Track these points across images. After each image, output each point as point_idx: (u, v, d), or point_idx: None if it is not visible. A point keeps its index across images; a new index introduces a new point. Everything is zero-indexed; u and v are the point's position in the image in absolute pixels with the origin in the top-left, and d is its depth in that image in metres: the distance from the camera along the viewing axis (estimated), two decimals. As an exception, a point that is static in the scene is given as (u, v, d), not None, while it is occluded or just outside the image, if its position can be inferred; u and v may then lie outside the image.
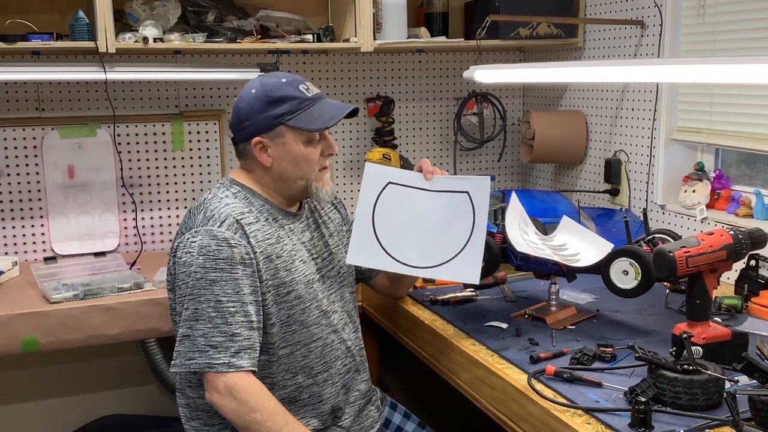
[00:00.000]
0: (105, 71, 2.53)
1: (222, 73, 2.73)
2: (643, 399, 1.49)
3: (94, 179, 2.90)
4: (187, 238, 1.76)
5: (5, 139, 2.80)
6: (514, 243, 2.00)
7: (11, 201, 2.83)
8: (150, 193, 2.99)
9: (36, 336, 2.27)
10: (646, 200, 2.72)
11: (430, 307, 2.22)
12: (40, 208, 2.86)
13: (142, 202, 2.97)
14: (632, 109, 2.79)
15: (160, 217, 3.01)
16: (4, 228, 2.84)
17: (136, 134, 2.94)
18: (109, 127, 2.88)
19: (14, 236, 2.85)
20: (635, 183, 2.79)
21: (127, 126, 2.92)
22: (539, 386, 1.66)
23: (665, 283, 2.24)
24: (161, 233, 3.02)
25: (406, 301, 2.30)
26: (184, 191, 3.03)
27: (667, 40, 2.58)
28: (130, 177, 2.95)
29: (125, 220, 2.95)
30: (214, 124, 3.04)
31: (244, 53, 3.01)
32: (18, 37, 2.43)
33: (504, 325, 2.04)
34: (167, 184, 3.01)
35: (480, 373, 1.85)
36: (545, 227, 2.19)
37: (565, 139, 3.02)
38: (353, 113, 1.89)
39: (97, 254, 2.89)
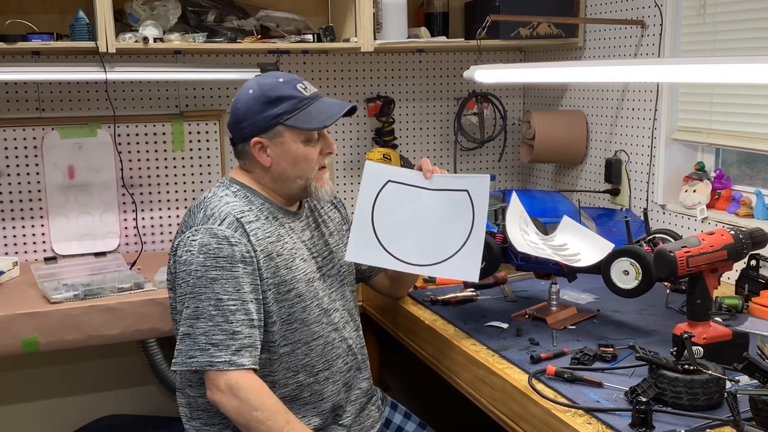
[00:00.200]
0: (105, 71, 2.53)
1: (222, 73, 2.74)
2: (643, 399, 1.49)
3: (94, 179, 2.90)
4: (188, 237, 1.76)
5: (5, 139, 2.80)
6: (514, 243, 2.00)
7: (11, 201, 2.83)
8: (150, 193, 2.99)
9: (36, 336, 2.27)
10: (647, 200, 2.72)
11: (431, 307, 2.22)
12: (41, 208, 2.86)
13: (142, 202, 2.97)
14: (633, 109, 2.79)
15: (161, 217, 3.01)
16: (4, 228, 2.84)
17: (137, 134, 2.94)
18: (109, 127, 2.88)
19: (14, 236, 2.85)
20: (636, 183, 2.79)
21: (127, 126, 2.92)
22: (540, 386, 1.66)
23: (666, 283, 2.24)
24: (161, 233, 3.02)
25: (406, 301, 2.30)
26: (185, 191, 3.03)
27: (667, 40, 2.58)
28: (131, 177, 2.95)
29: (125, 220, 2.95)
30: (215, 124, 3.04)
31: (244, 53, 3.01)
32: (18, 37, 2.43)
33: (504, 325, 2.04)
34: (167, 184, 3.01)
35: (480, 373, 1.85)
36: (546, 227, 2.19)
37: (566, 139, 3.02)
38: (351, 111, 1.89)
39: (97, 254, 2.89)
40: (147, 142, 2.96)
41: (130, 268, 2.64)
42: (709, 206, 2.51)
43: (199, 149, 3.03)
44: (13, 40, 2.42)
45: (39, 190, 2.85)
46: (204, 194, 1.87)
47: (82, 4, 2.58)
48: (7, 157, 2.81)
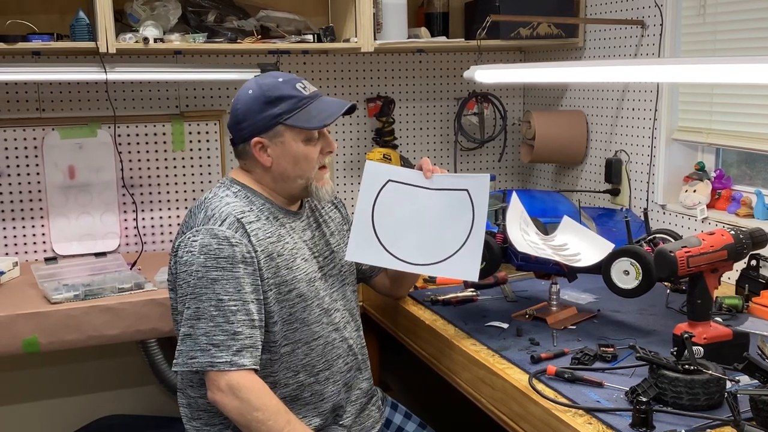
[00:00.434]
0: (105, 71, 2.53)
1: (222, 74, 2.74)
2: (644, 399, 1.49)
3: (94, 179, 2.90)
4: (188, 238, 1.76)
5: (6, 140, 2.80)
6: (514, 243, 2.00)
7: (12, 201, 2.84)
8: (150, 193, 2.99)
9: (37, 336, 2.27)
10: (647, 200, 2.72)
11: (431, 307, 2.22)
12: (41, 208, 2.86)
13: (142, 202, 2.97)
14: (633, 109, 2.79)
15: (161, 217, 3.01)
16: (4, 228, 2.84)
17: (137, 134, 2.94)
18: (109, 127, 2.88)
19: (15, 237, 2.85)
20: (636, 183, 2.79)
21: (127, 126, 2.92)
22: (540, 386, 1.66)
23: (666, 283, 2.24)
24: (162, 233, 3.02)
25: (406, 301, 2.30)
26: (185, 191, 3.03)
27: (667, 40, 2.58)
28: (131, 177, 2.95)
29: (126, 220, 2.95)
30: (215, 124, 3.04)
31: (245, 53, 3.01)
32: (18, 38, 2.43)
33: (505, 325, 2.04)
34: (167, 184, 3.01)
35: (481, 373, 1.85)
36: (546, 227, 2.20)
37: (566, 139, 3.02)
38: (351, 110, 1.89)
39: (97, 254, 2.89)
40: (147, 143, 2.96)
41: (131, 269, 2.64)
42: (710, 206, 2.51)
43: (200, 149, 3.03)
44: (13, 40, 2.42)
45: (39, 191, 2.85)
46: (205, 195, 1.87)
47: (82, 4, 2.58)
48: (7, 158, 2.81)
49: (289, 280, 1.81)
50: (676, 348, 1.60)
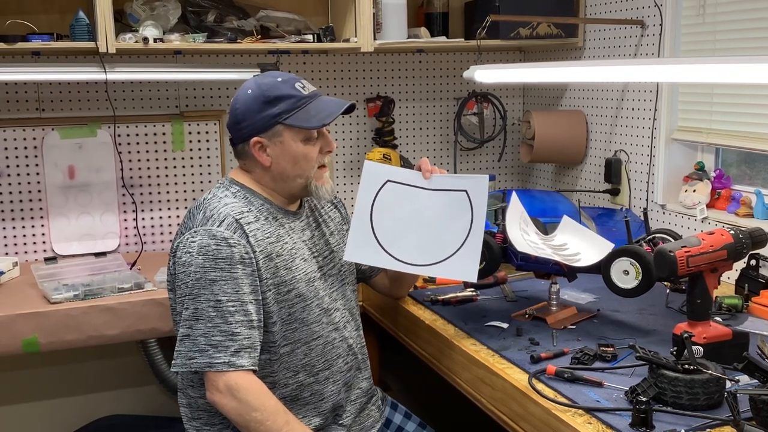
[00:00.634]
0: (105, 71, 2.53)
1: (222, 74, 2.74)
2: (644, 399, 1.49)
3: (94, 179, 2.90)
4: (187, 238, 1.76)
5: (5, 140, 2.80)
6: (514, 243, 2.00)
7: (11, 201, 2.83)
8: (150, 193, 2.99)
9: (36, 336, 2.27)
10: (647, 200, 2.72)
11: (431, 307, 2.22)
12: (41, 208, 2.86)
13: (142, 202, 2.97)
14: (632, 109, 2.79)
15: (161, 217, 3.01)
16: (4, 228, 2.84)
17: (137, 134, 2.94)
18: (109, 127, 2.88)
19: (15, 236, 2.85)
20: (635, 183, 2.79)
21: (127, 126, 2.92)
22: (540, 386, 1.66)
23: (666, 283, 2.24)
24: (161, 233, 3.02)
25: (406, 301, 2.30)
26: (185, 191, 3.03)
27: (667, 40, 2.58)
28: (131, 177, 2.95)
29: (125, 220, 2.95)
30: (215, 124, 3.04)
31: (245, 53, 3.01)
32: (18, 38, 2.43)
33: (504, 325, 2.04)
34: (167, 184, 3.01)
35: (481, 373, 1.85)
36: (545, 227, 2.19)
37: (566, 138, 3.02)
38: (350, 109, 1.89)
39: (97, 254, 2.89)
40: (147, 143, 2.96)
41: (130, 268, 2.64)
42: (709, 206, 2.51)
43: (199, 149, 3.03)
44: (13, 40, 2.42)
45: (39, 191, 2.85)
46: (204, 195, 1.87)
47: (82, 4, 2.58)
48: (7, 158, 2.81)
49: (288, 280, 1.81)
50: (675, 348, 1.60)
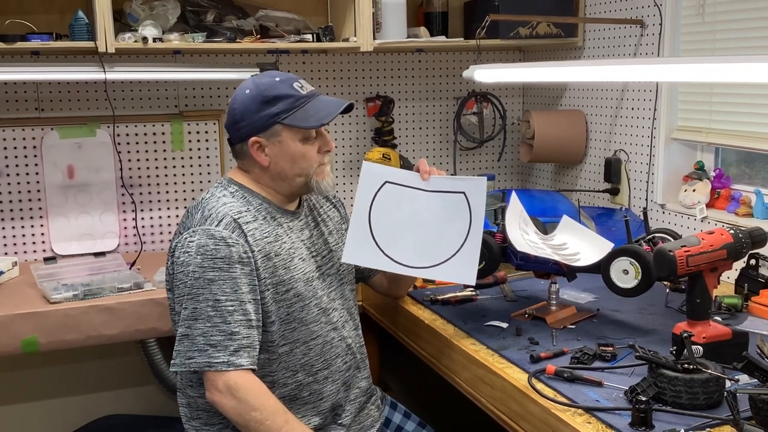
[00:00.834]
0: (104, 71, 2.53)
1: (222, 73, 2.73)
2: (643, 398, 1.49)
3: (93, 179, 2.90)
4: (185, 238, 1.76)
5: (5, 140, 2.80)
6: (514, 242, 1.99)
7: (11, 201, 2.83)
8: (150, 193, 2.99)
9: (36, 336, 2.27)
10: (646, 199, 2.72)
11: (430, 307, 2.22)
12: (40, 208, 2.86)
13: (141, 202, 2.97)
14: (632, 109, 2.79)
15: (160, 217, 3.01)
16: (3, 228, 2.84)
17: (136, 134, 2.94)
18: (108, 127, 2.88)
19: (14, 236, 2.85)
20: (635, 182, 2.79)
21: (126, 126, 2.92)
22: (539, 385, 1.66)
23: (665, 283, 2.24)
24: (161, 233, 3.02)
25: (406, 300, 2.30)
26: (184, 191, 3.03)
27: (666, 40, 2.58)
28: (130, 177, 2.94)
29: (125, 220, 2.95)
30: (214, 124, 3.04)
31: (244, 53, 3.01)
32: (18, 37, 2.43)
33: (504, 325, 2.04)
34: (167, 184, 3.01)
35: (480, 372, 1.85)
36: (545, 227, 2.19)
37: (565, 138, 3.02)
38: (348, 109, 1.89)
39: (96, 254, 2.89)
40: (146, 142, 2.96)
41: (130, 268, 2.64)
42: (709, 205, 2.51)
43: (199, 149, 3.03)
44: (12, 40, 2.42)
45: (38, 190, 2.85)
46: (202, 195, 1.87)
47: (81, 4, 2.58)
48: (6, 157, 2.81)
49: (286, 279, 1.81)
50: (675, 347, 1.60)
